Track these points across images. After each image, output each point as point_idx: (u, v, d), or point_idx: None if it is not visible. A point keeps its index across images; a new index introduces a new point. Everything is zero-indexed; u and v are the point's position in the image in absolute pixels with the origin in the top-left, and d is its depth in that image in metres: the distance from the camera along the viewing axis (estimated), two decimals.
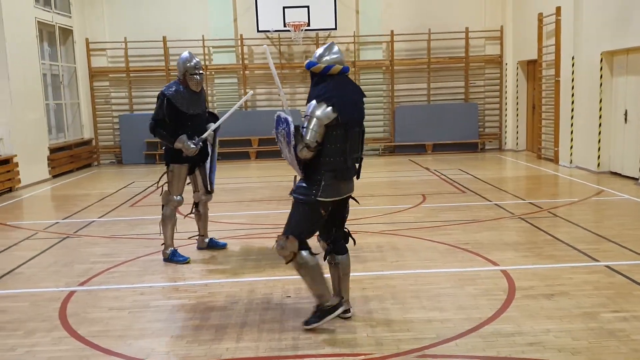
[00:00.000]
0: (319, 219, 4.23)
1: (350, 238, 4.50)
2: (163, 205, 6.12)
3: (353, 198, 4.43)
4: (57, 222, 8.37)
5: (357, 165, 4.26)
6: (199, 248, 6.51)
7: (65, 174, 13.62)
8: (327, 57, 4.13)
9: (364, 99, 4.28)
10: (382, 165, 13.93)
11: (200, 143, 5.89)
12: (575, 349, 3.80)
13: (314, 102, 4.06)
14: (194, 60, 5.87)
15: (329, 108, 4.00)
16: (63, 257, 6.48)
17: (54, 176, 13.10)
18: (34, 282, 5.62)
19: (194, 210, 6.44)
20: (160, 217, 6.16)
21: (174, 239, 6.15)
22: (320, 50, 4.19)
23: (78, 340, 4.21)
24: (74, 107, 15.04)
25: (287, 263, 4.28)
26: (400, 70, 15.72)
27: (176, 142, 5.80)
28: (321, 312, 4.26)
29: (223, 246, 6.51)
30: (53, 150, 13.23)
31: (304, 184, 4.21)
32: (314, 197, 4.13)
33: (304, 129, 4.03)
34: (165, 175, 6.13)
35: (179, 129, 5.84)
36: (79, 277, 5.68)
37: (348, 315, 4.42)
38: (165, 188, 6.14)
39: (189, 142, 5.79)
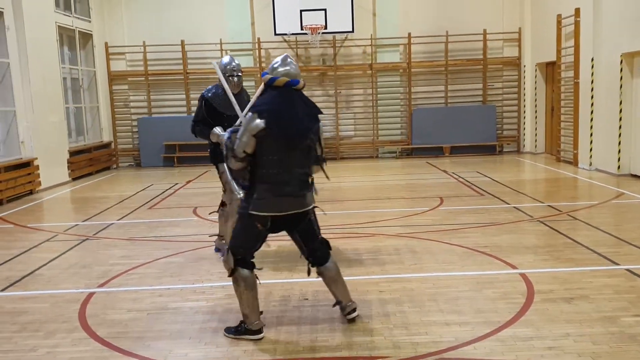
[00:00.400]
0: (256, 233, 4.12)
1: (327, 247, 4.41)
2: (222, 203, 6.21)
3: (318, 207, 4.34)
4: (77, 225, 8.47)
5: (309, 180, 4.18)
6: (217, 250, 6.55)
7: (85, 176, 13.77)
8: (279, 69, 4.10)
9: (319, 115, 4.21)
10: (399, 168, 13.89)
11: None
12: (595, 354, 3.75)
13: (250, 112, 4.09)
14: (233, 63, 6.03)
15: (259, 120, 3.95)
16: (82, 259, 6.55)
17: (74, 179, 13.26)
18: (54, 283, 5.69)
19: (219, 209, 6.41)
20: (219, 210, 6.25)
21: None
22: (276, 61, 4.19)
23: (97, 342, 4.26)
24: (93, 110, 15.21)
25: (228, 277, 4.22)
26: (417, 72, 15.67)
27: (211, 135, 5.91)
28: (241, 329, 4.20)
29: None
30: (73, 153, 13.39)
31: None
32: (247, 210, 4.07)
33: (237, 139, 4.03)
34: (221, 177, 6.20)
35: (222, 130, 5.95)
36: (98, 279, 5.74)
37: (353, 315, 4.37)
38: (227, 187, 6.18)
39: (223, 134, 5.82)
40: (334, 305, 4.46)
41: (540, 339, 3.98)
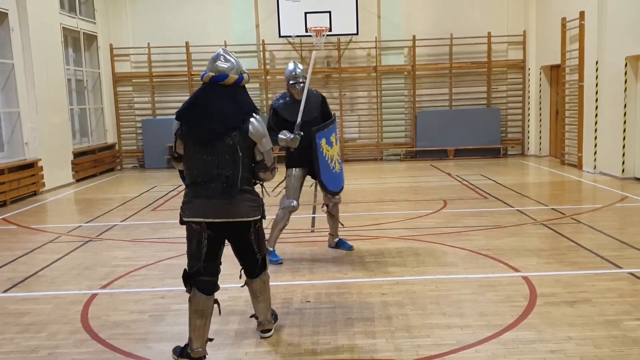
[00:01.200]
0: (198, 240, 3.76)
1: (262, 265, 4.13)
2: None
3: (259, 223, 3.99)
4: (80, 226, 8.49)
5: (237, 185, 3.74)
6: (330, 247, 6.64)
7: (89, 178, 13.80)
8: (210, 65, 3.88)
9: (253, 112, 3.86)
10: (403, 171, 13.88)
11: (301, 133, 5.78)
12: (597, 357, 3.74)
13: None
14: (297, 70, 5.97)
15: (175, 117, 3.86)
16: (85, 260, 6.56)
17: (78, 180, 13.29)
18: (57, 284, 5.70)
19: (325, 209, 6.50)
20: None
21: (277, 241, 6.27)
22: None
23: (99, 343, 4.26)
24: (97, 111, 15.25)
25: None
26: (422, 75, 15.66)
27: (279, 140, 5.86)
28: (184, 352, 3.91)
29: (349, 248, 6.53)
30: (77, 155, 13.42)
31: None
32: (181, 214, 3.86)
33: None
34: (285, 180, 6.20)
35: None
36: (101, 280, 5.75)
37: (266, 335, 4.21)
38: (284, 192, 6.20)
39: (288, 136, 5.80)
40: (251, 317, 4.34)
41: (543, 343, 3.97)
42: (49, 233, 7.99)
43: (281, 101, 6.08)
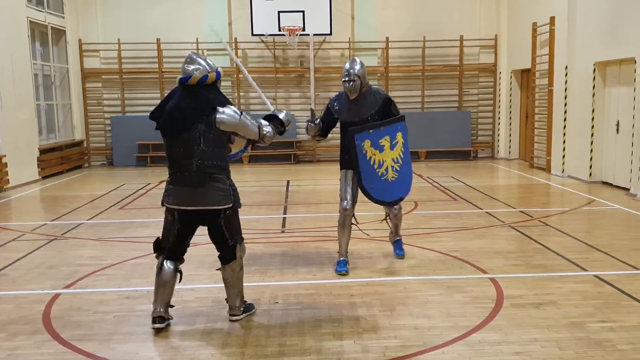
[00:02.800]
0: (171, 225, 4.30)
1: (233, 254, 4.41)
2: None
3: (230, 211, 4.29)
4: (45, 224, 8.30)
5: (208, 175, 4.13)
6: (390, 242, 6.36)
7: (55, 175, 13.52)
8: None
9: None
10: None
11: (316, 121, 5.67)
12: (561, 359, 3.78)
13: None
14: (346, 67, 5.62)
15: None
16: (50, 259, 6.41)
17: (44, 177, 13.00)
18: (19, 284, 5.56)
19: (385, 220, 6.21)
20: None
21: (346, 249, 5.80)
22: None
23: (61, 344, 4.16)
24: (65, 108, 14.96)
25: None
26: (394, 77, 15.72)
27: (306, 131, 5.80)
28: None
29: (398, 255, 6.16)
30: (43, 151, 13.14)
31: None
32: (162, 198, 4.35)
33: None
34: None
35: (345, 136, 5.69)
36: (65, 280, 5.62)
37: (234, 318, 4.47)
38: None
39: (309, 124, 5.69)
40: (226, 299, 4.58)
41: (508, 344, 4.00)
42: (12, 231, 7.79)
43: (337, 96, 5.84)
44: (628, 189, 9.89)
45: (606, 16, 10.48)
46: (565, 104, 11.99)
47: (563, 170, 12.07)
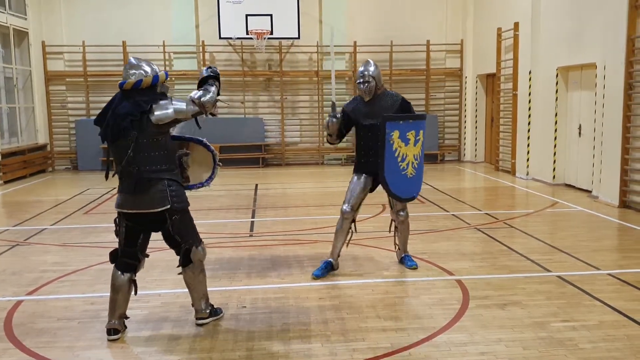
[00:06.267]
0: (119, 225, 4.34)
1: (188, 257, 4.40)
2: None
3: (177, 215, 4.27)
4: (7, 230, 8.11)
5: (149, 179, 4.16)
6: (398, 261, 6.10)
7: (18, 179, 13.22)
8: None
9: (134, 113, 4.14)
10: (344, 175, 13.93)
11: (338, 115, 5.59)
12: (525, 358, 3.84)
13: None
14: (359, 70, 5.59)
15: None
16: (11, 265, 6.27)
17: (6, 182, 12.70)
18: None
19: (392, 228, 6.04)
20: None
21: (338, 252, 5.72)
22: None
23: (23, 352, 4.08)
24: (28, 111, 14.65)
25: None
26: None
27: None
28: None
29: (411, 266, 5.85)
30: (5, 156, 12.84)
31: None
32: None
33: None
34: None
35: (360, 140, 5.66)
36: (28, 286, 5.50)
37: (199, 322, 4.46)
38: None
39: (330, 119, 5.60)
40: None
41: (474, 345, 4.05)
42: None
43: (352, 101, 5.76)
44: (590, 191, 10.12)
45: (568, 22, 10.73)
46: (529, 108, 12.23)
47: (527, 173, 12.29)
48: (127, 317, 4.41)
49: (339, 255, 5.77)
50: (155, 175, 4.16)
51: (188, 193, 4.53)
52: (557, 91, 11.25)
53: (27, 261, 6.44)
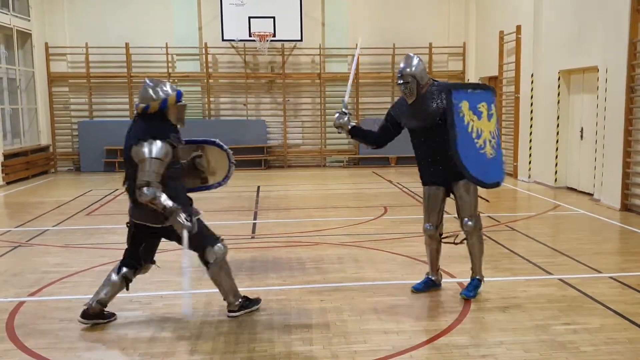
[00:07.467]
0: (129, 232, 4.56)
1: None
2: None
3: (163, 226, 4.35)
4: (9, 230, 8.13)
5: (135, 194, 4.27)
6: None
7: (20, 180, 13.26)
8: None
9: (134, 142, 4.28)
10: (345, 177, 13.97)
11: (346, 112, 5.19)
12: None
13: None
14: (399, 67, 4.93)
15: None
16: (13, 266, 6.28)
17: (8, 183, 12.74)
18: None
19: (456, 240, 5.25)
20: None
21: (434, 268, 5.29)
22: None
23: (25, 353, 4.08)
24: (31, 112, 14.69)
25: None
26: (365, 83, 15.84)
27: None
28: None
29: (464, 295, 5.04)
30: (8, 157, 12.88)
31: None
32: None
33: None
34: None
35: (413, 146, 5.27)
36: (30, 287, 5.51)
37: (230, 315, 4.67)
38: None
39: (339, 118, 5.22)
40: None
41: (475, 347, 4.05)
42: None
43: (396, 104, 5.22)
44: (592, 194, 10.11)
45: (570, 26, 10.73)
46: (531, 111, 12.22)
47: (529, 175, 12.29)
48: (106, 312, 4.59)
49: (438, 269, 5.33)
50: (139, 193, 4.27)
51: (194, 195, 4.67)
52: (559, 94, 11.24)
53: (29, 262, 6.45)
